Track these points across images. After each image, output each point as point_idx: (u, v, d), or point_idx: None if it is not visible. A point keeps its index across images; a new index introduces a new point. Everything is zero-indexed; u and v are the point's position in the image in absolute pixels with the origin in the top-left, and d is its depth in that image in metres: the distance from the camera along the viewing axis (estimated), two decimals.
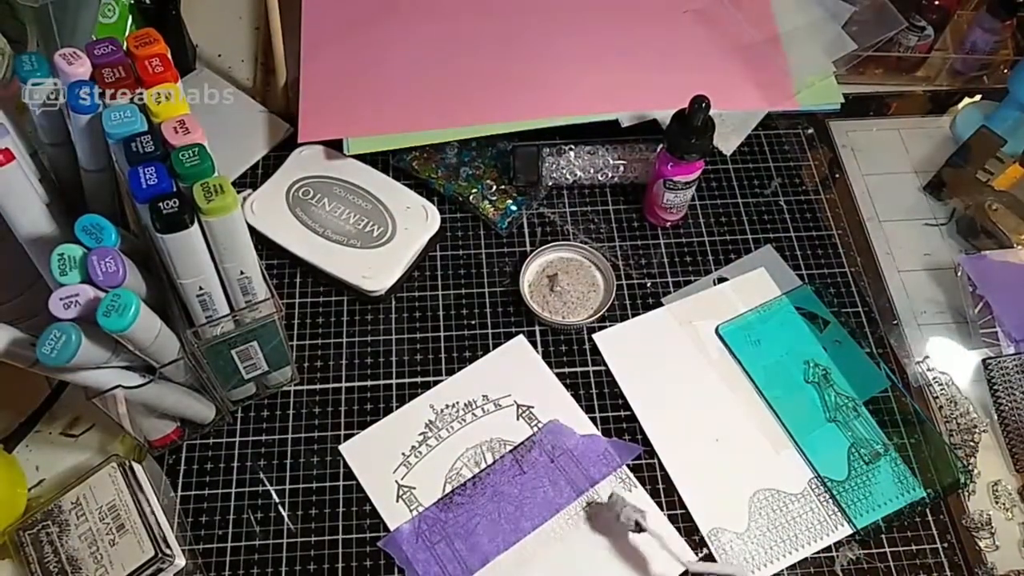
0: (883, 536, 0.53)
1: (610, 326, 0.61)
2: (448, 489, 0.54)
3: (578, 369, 0.59)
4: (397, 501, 0.54)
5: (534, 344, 0.60)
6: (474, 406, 0.57)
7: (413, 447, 0.56)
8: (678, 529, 0.53)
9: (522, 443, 0.55)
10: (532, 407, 0.57)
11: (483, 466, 0.55)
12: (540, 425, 0.56)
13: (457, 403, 0.57)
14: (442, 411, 0.57)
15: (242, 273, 0.45)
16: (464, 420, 0.57)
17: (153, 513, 0.51)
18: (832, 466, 0.55)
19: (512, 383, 0.58)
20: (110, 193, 0.48)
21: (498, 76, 0.67)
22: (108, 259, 0.40)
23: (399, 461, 0.55)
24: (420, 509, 0.53)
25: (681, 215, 0.65)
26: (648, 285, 0.63)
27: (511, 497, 0.53)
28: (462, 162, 0.67)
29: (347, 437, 0.56)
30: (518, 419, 0.56)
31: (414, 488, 0.54)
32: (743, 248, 0.65)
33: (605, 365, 0.59)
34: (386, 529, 0.53)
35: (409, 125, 0.65)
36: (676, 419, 0.57)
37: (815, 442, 0.56)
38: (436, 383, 0.58)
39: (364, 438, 0.56)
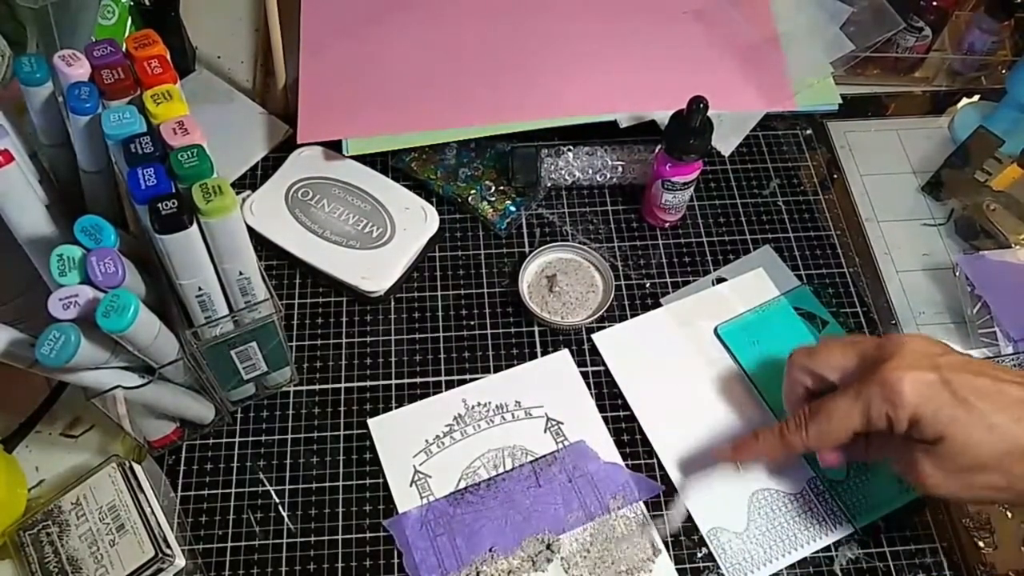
0: (882, 536, 0.53)
1: (609, 326, 0.61)
2: (462, 485, 0.54)
3: (577, 370, 0.59)
4: (411, 486, 0.54)
5: (532, 344, 0.60)
6: (505, 410, 0.57)
7: (437, 436, 0.56)
8: (676, 528, 0.53)
9: (544, 456, 0.55)
10: (562, 423, 0.57)
11: (501, 470, 0.55)
12: (566, 443, 0.56)
13: (489, 403, 0.57)
14: (473, 408, 0.57)
15: (241, 274, 0.45)
16: (492, 421, 0.57)
17: (153, 513, 0.51)
18: None
19: (548, 395, 0.58)
20: (109, 194, 0.48)
21: (496, 77, 0.67)
22: (107, 260, 0.40)
23: (421, 447, 0.56)
24: (431, 498, 0.54)
25: (680, 216, 0.65)
26: (647, 285, 0.63)
27: (522, 507, 0.53)
28: (461, 163, 0.67)
29: (347, 437, 0.56)
30: (545, 432, 0.56)
31: (430, 477, 0.54)
32: (742, 248, 0.65)
33: (604, 365, 0.59)
34: (394, 510, 0.53)
35: (408, 126, 0.65)
36: (675, 419, 0.57)
37: None
38: (436, 383, 0.58)
39: (393, 417, 0.57)
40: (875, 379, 0.44)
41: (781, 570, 0.52)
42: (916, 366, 0.43)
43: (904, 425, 0.44)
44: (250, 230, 0.47)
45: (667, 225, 0.66)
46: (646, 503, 0.54)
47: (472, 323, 0.61)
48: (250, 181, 0.67)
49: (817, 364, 0.48)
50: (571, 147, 0.66)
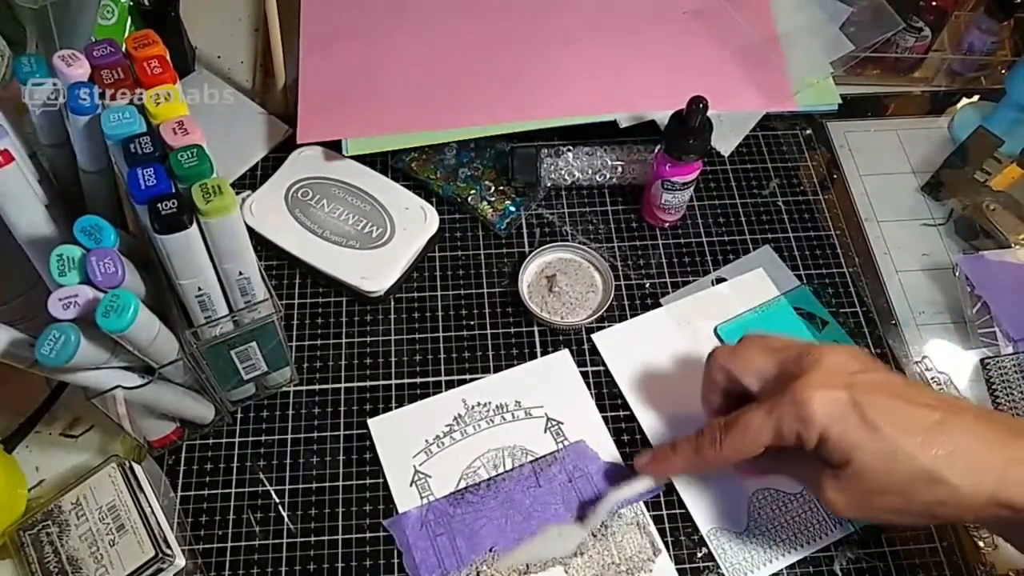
0: (882, 536, 0.53)
1: (609, 326, 0.61)
2: (462, 485, 0.54)
3: (577, 370, 0.59)
4: (411, 486, 0.54)
5: (532, 344, 0.60)
6: (505, 410, 0.57)
7: (437, 437, 0.56)
8: (676, 529, 0.53)
9: (544, 456, 0.55)
10: (562, 423, 0.57)
11: (501, 470, 0.55)
12: (566, 443, 0.56)
13: (489, 403, 0.57)
14: (473, 408, 0.57)
15: (241, 274, 0.45)
16: (492, 421, 0.57)
17: (153, 513, 0.51)
18: None
19: (548, 395, 0.58)
20: (109, 194, 0.48)
21: (496, 77, 0.67)
22: (107, 260, 0.40)
23: (421, 447, 0.56)
24: (431, 498, 0.54)
25: (679, 216, 0.65)
26: (647, 285, 0.63)
27: (522, 507, 0.53)
28: (460, 163, 0.67)
29: (347, 438, 0.56)
30: (545, 432, 0.56)
31: (430, 477, 0.54)
32: (741, 248, 0.65)
33: (604, 365, 0.59)
34: (394, 510, 0.53)
35: (408, 126, 0.65)
36: (675, 419, 0.57)
37: None
38: (436, 383, 0.58)
39: (393, 417, 0.57)
40: (787, 395, 0.44)
41: (781, 570, 0.52)
42: (828, 384, 0.43)
43: (813, 442, 0.43)
44: (250, 230, 0.47)
45: (667, 225, 0.66)
46: (646, 503, 0.54)
47: (472, 323, 0.61)
48: (250, 181, 0.67)
49: (736, 367, 0.48)
50: (571, 147, 0.66)
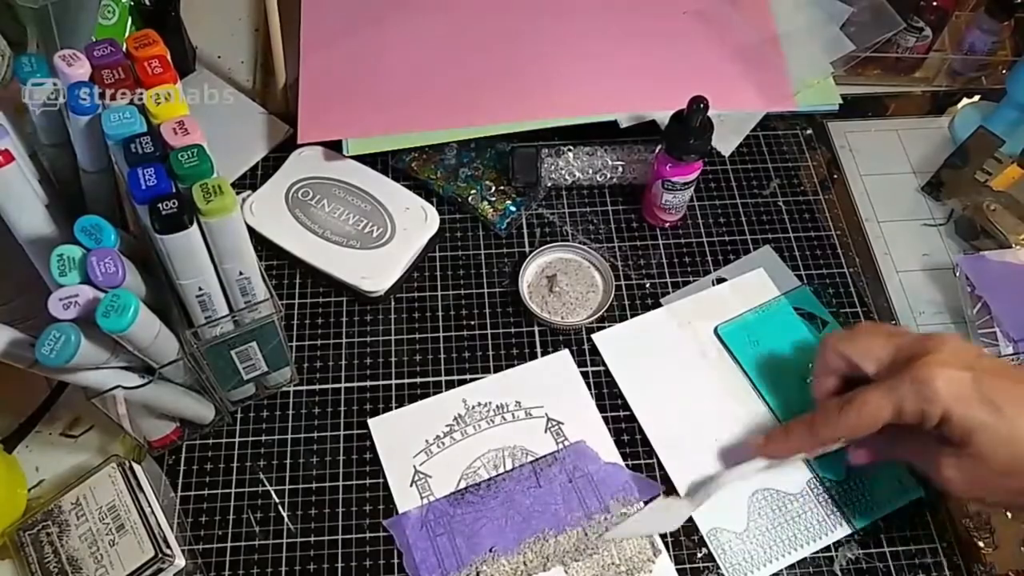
0: (882, 536, 0.53)
1: (609, 326, 0.61)
2: (462, 485, 0.54)
3: (577, 370, 0.59)
4: (411, 486, 0.54)
5: (532, 344, 0.60)
6: (505, 410, 0.57)
7: (438, 437, 0.56)
8: (676, 529, 0.53)
9: (544, 456, 0.55)
10: (562, 423, 0.57)
11: (501, 470, 0.55)
12: (566, 443, 0.56)
13: (489, 403, 0.57)
14: (473, 408, 0.57)
15: (241, 274, 0.45)
16: (492, 421, 0.57)
17: (153, 513, 0.51)
18: (831, 466, 0.55)
19: (548, 396, 0.58)
20: (109, 194, 0.48)
21: (497, 77, 0.67)
22: (107, 260, 0.40)
23: (421, 447, 0.56)
24: (431, 498, 0.54)
25: (680, 216, 0.65)
26: (647, 286, 0.63)
27: (522, 507, 0.53)
28: (461, 163, 0.67)
29: (347, 437, 0.56)
30: (546, 432, 0.56)
31: (430, 477, 0.54)
32: (742, 249, 0.65)
33: (604, 365, 0.59)
34: (394, 510, 0.53)
35: (408, 126, 0.65)
36: (675, 419, 0.57)
37: None
38: (436, 383, 0.58)
39: (393, 417, 0.57)
40: (910, 373, 0.44)
41: (781, 570, 0.52)
42: (952, 364, 0.44)
43: (935, 420, 0.44)
44: (250, 230, 0.47)
45: (667, 225, 0.66)
46: (646, 503, 0.54)
47: (472, 323, 0.61)
48: (250, 181, 0.67)
49: (854, 352, 0.49)
50: (571, 147, 0.66)
